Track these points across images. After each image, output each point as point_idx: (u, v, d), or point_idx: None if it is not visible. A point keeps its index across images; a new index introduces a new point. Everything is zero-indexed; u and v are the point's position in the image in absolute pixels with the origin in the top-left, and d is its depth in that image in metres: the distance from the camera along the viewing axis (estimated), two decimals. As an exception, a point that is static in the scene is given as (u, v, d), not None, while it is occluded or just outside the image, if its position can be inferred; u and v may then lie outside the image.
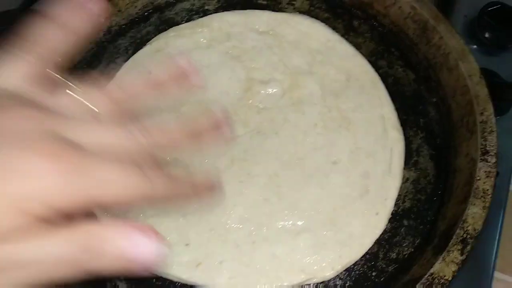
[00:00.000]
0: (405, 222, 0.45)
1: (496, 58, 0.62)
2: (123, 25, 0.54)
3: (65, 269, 0.23)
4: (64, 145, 0.24)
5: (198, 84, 0.32)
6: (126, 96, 0.30)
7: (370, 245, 0.44)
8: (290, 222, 0.43)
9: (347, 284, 0.43)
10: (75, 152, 0.24)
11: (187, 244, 0.42)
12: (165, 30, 0.53)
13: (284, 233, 0.43)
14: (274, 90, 0.48)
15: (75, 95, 0.27)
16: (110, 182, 0.24)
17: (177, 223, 0.43)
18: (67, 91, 0.27)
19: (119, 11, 0.53)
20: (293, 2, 0.54)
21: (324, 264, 0.42)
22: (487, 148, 0.44)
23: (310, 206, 0.44)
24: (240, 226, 0.43)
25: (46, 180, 0.23)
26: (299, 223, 0.43)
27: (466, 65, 0.48)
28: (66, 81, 0.28)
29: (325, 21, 0.53)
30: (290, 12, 0.53)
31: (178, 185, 0.28)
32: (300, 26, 0.51)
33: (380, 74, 0.51)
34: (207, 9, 0.54)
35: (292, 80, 0.48)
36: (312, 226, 0.43)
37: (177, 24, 0.53)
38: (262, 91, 0.48)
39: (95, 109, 0.28)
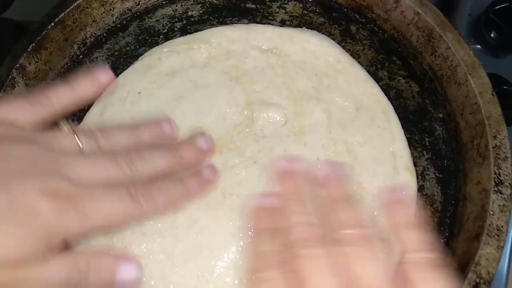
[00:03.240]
0: (412, 256, 0.43)
1: (502, 61, 0.58)
2: (99, 35, 0.49)
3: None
4: (63, 183, 0.30)
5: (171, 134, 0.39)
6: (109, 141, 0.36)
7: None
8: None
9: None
10: (74, 189, 0.30)
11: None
12: (146, 39, 0.47)
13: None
14: (276, 117, 0.43)
15: (66, 129, 0.35)
16: (106, 210, 0.31)
17: (162, 264, 0.39)
18: (60, 126, 0.35)
19: (93, 21, 0.48)
20: (285, 6, 0.50)
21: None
22: (501, 178, 0.42)
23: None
24: (231, 272, 0.39)
25: (60, 217, 0.29)
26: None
27: (477, 80, 0.45)
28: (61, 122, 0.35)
29: (319, 26, 0.49)
30: (296, 27, 0.48)
31: (172, 195, 0.35)
32: (307, 44, 0.46)
33: (380, 87, 0.47)
34: (190, 16, 0.49)
35: (296, 106, 0.44)
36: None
37: (158, 33, 0.48)
38: (262, 118, 0.43)
39: (80, 144, 0.34)
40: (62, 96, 0.35)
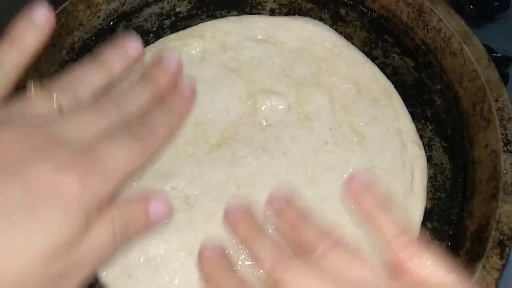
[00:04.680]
0: (429, 225, 0.42)
1: (484, 30, 0.59)
2: (87, 39, 0.47)
3: (108, 252, 0.28)
4: (68, 151, 0.28)
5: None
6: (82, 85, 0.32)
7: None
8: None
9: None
10: (82, 153, 0.28)
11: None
12: (136, 40, 0.46)
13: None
14: (279, 105, 0.43)
15: (34, 92, 0.30)
16: (122, 159, 0.29)
17: (183, 262, 0.39)
18: (29, 89, 0.30)
19: (80, 24, 0.46)
20: (272, -5, 0.49)
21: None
22: (509, 138, 0.42)
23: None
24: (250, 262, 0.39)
25: (87, 185, 0.27)
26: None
27: (472, 48, 0.45)
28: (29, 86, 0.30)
29: (309, 12, 0.49)
30: (286, 15, 0.48)
31: (167, 123, 0.32)
32: (302, 30, 0.46)
33: (376, 65, 0.47)
34: (178, 12, 0.48)
35: (298, 93, 0.43)
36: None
37: (148, 31, 0.47)
38: (265, 107, 0.43)
39: (58, 104, 0.30)
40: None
